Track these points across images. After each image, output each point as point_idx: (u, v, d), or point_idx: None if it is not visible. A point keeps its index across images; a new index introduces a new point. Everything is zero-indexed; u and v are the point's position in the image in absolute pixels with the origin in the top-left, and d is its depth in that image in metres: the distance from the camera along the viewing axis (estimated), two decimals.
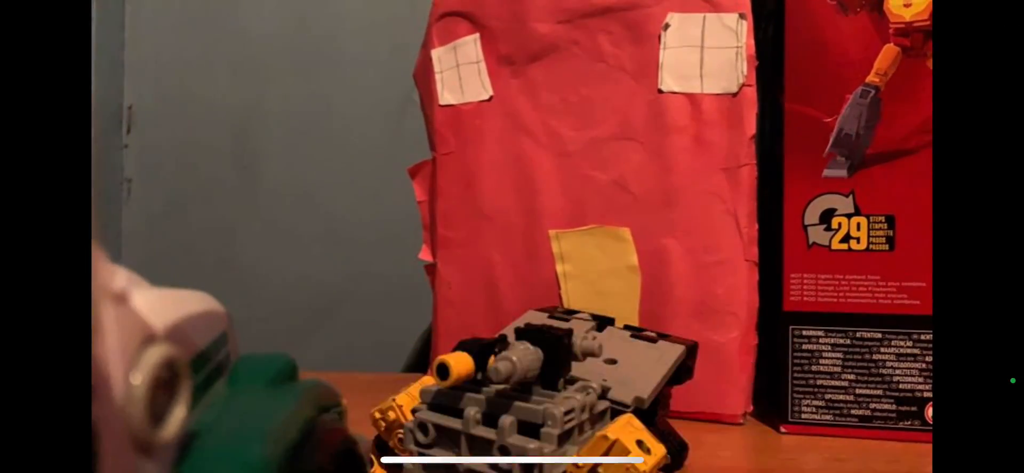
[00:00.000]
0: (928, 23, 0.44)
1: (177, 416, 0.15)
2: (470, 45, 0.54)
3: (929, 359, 0.44)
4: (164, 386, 0.15)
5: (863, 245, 0.45)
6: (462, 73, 0.54)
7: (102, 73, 0.83)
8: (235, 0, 0.84)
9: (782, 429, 0.47)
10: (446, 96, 0.55)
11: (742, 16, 0.48)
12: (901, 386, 0.45)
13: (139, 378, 0.14)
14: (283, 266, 0.83)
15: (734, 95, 0.48)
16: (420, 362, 0.77)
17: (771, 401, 0.49)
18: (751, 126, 0.48)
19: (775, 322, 0.48)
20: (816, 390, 0.46)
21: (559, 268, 0.52)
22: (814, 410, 0.46)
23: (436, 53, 0.55)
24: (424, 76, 0.56)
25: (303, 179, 0.83)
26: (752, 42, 0.48)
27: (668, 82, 0.50)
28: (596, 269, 0.51)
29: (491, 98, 0.54)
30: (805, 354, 0.46)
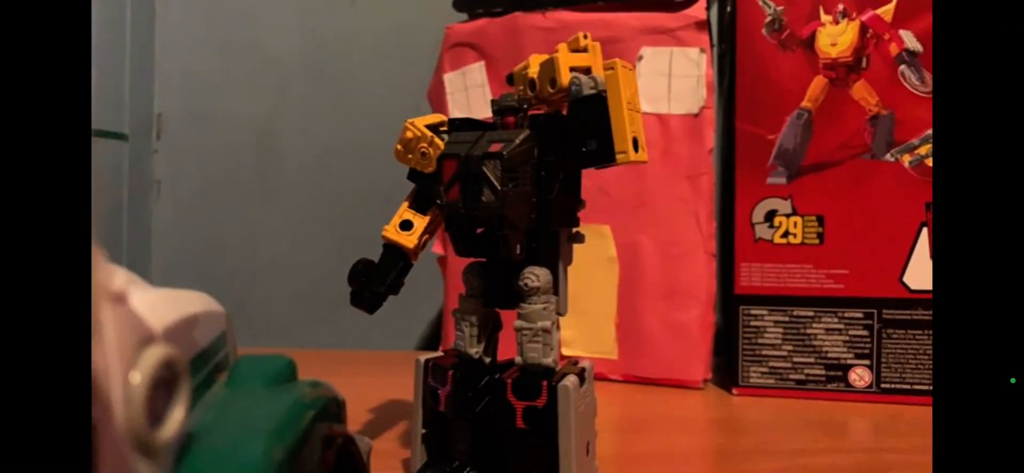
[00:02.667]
0: (850, 59, 0.53)
1: (176, 416, 0.15)
2: (477, 71, 0.62)
3: (852, 332, 0.54)
4: (163, 386, 0.14)
5: (799, 240, 0.54)
6: (470, 95, 0.62)
7: (134, 83, 0.87)
8: (256, 16, 0.89)
9: (734, 391, 0.56)
10: (456, 114, 0.63)
11: (702, 50, 0.57)
12: (829, 355, 0.54)
13: (138, 378, 0.14)
14: (302, 260, 0.88)
15: (696, 116, 0.57)
16: (432, 342, 0.85)
17: (725, 369, 0.58)
18: (710, 141, 0.57)
19: (729, 303, 0.57)
20: (761, 359, 0.55)
21: None
22: (760, 375, 0.55)
23: (447, 77, 0.63)
24: (437, 96, 0.64)
25: (319, 180, 0.88)
26: (711, 72, 0.57)
27: (641, 104, 0.58)
28: (581, 260, 0.59)
29: None
30: (753, 329, 0.55)
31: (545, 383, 0.31)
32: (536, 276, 0.33)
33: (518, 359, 0.33)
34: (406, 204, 0.37)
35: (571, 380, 0.31)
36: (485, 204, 0.31)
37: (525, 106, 0.34)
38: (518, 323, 0.33)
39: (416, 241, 0.36)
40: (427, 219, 0.36)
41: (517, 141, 0.32)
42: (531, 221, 0.32)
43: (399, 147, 0.35)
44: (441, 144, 0.34)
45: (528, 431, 0.32)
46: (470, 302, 0.35)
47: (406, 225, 0.36)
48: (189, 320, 0.18)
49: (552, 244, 0.35)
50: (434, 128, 0.35)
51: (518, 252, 0.33)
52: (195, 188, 0.91)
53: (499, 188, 0.31)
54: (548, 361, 0.32)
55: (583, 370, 0.33)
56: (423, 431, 0.36)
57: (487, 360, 0.34)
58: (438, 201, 0.33)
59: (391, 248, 0.36)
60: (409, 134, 0.35)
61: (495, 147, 0.31)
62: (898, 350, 0.53)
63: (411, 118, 0.35)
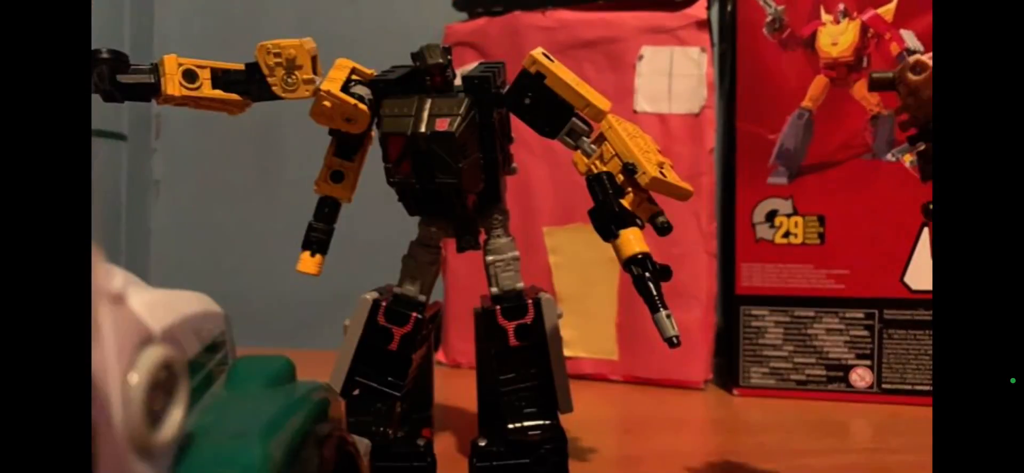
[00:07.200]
0: (851, 58, 0.53)
1: (175, 417, 0.15)
2: None
3: (853, 332, 0.54)
4: (162, 387, 0.14)
5: (800, 240, 0.54)
6: None
7: None
8: (256, 16, 0.89)
9: (735, 392, 0.56)
10: None
11: (703, 50, 0.57)
12: (830, 355, 0.54)
13: (136, 379, 0.14)
14: None
15: (696, 115, 0.57)
16: (433, 339, 0.85)
17: (726, 369, 0.58)
18: (710, 141, 0.57)
19: (729, 303, 0.57)
20: (762, 359, 0.55)
21: (551, 259, 0.61)
22: (761, 376, 0.55)
23: None
24: None
25: None
26: (712, 72, 0.57)
27: (642, 104, 0.58)
28: (582, 260, 0.60)
29: None
30: (753, 330, 0.55)
31: (531, 301, 0.35)
32: (501, 214, 0.36)
33: (494, 289, 0.35)
34: (331, 153, 0.36)
35: (546, 295, 0.35)
36: (440, 181, 0.32)
37: (450, 59, 0.34)
38: (491, 258, 0.36)
39: (351, 193, 0.37)
40: (356, 165, 0.37)
41: (461, 114, 0.32)
42: (482, 180, 0.34)
43: (318, 110, 0.34)
44: (365, 109, 0.33)
45: (520, 346, 0.35)
46: (430, 252, 0.36)
47: (337, 176, 0.36)
48: (188, 321, 0.18)
49: (495, 184, 0.36)
50: (347, 83, 0.34)
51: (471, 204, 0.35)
52: (195, 188, 0.91)
53: (454, 167, 0.31)
54: (520, 285, 0.35)
55: (541, 289, 0.36)
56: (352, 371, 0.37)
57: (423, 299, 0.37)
58: (390, 179, 0.33)
59: (327, 200, 0.37)
60: (328, 104, 0.33)
61: (441, 125, 0.31)
62: (899, 350, 0.53)
63: (326, 84, 0.34)
